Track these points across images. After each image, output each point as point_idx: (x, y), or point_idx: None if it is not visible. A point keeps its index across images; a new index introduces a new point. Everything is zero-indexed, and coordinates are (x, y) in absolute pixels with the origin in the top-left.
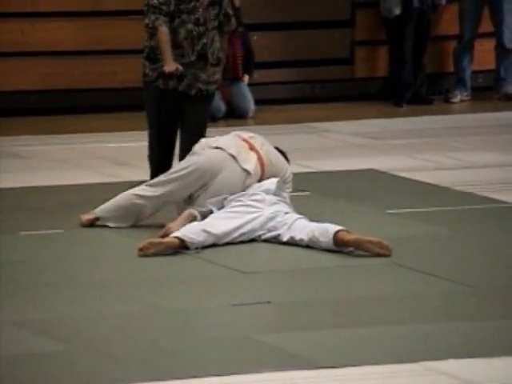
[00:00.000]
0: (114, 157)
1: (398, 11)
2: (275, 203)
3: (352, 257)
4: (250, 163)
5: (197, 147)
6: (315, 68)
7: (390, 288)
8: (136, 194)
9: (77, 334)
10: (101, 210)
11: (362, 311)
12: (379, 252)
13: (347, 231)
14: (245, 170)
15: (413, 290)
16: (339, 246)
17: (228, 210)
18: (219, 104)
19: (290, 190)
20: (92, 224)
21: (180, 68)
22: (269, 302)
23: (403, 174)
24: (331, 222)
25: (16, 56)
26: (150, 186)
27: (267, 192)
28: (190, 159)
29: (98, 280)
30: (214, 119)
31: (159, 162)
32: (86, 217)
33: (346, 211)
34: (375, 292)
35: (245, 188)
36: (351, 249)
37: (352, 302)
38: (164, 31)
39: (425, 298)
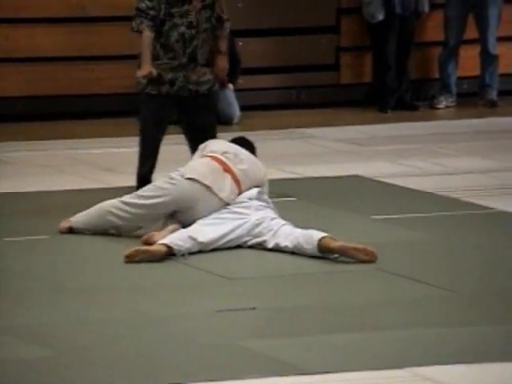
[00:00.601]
0: (99, 163)
1: (380, 17)
2: (261, 209)
3: (337, 263)
4: (225, 191)
5: (173, 174)
6: (301, 74)
7: (375, 294)
8: (109, 211)
9: (62, 339)
10: (76, 221)
11: (347, 317)
12: (364, 259)
13: (332, 238)
14: (221, 199)
15: (398, 295)
16: (324, 252)
17: (214, 216)
18: None
19: (267, 189)
20: (69, 232)
21: (154, 72)
22: (254, 308)
23: (388, 180)
24: (317, 228)
25: (0, 62)
26: (125, 204)
27: (250, 198)
28: (164, 187)
29: (83, 286)
30: None
31: (148, 169)
32: (63, 224)
33: (332, 217)
34: (361, 298)
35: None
36: (336, 255)
37: (338, 308)
38: (147, 35)
39: (410, 304)
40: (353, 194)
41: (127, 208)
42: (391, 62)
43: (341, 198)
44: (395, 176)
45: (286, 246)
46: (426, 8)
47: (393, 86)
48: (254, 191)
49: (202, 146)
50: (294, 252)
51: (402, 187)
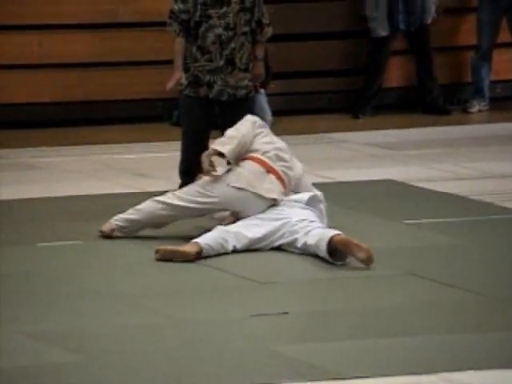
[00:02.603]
0: (131, 168)
1: (383, 33)
2: (305, 208)
3: (368, 267)
4: (274, 190)
5: (216, 184)
6: (332, 78)
7: (407, 298)
8: (162, 201)
9: (93, 345)
10: (121, 218)
11: (380, 322)
12: (362, 258)
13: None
14: (272, 199)
15: (430, 300)
16: (330, 247)
17: (260, 216)
18: None
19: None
20: (111, 234)
21: (182, 77)
22: (287, 313)
23: (420, 184)
24: (349, 233)
25: (32, 68)
26: (177, 197)
27: (298, 201)
28: (213, 191)
29: (116, 291)
30: None
31: (190, 171)
32: (106, 227)
33: (364, 222)
34: (393, 303)
35: None
36: (343, 262)
37: (370, 313)
38: (177, 41)
39: (442, 309)
40: (385, 198)
41: (180, 200)
42: (381, 71)
43: (373, 202)
44: (428, 180)
45: (310, 245)
46: (430, 20)
47: (370, 94)
48: (306, 196)
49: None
50: (314, 250)
51: (435, 191)
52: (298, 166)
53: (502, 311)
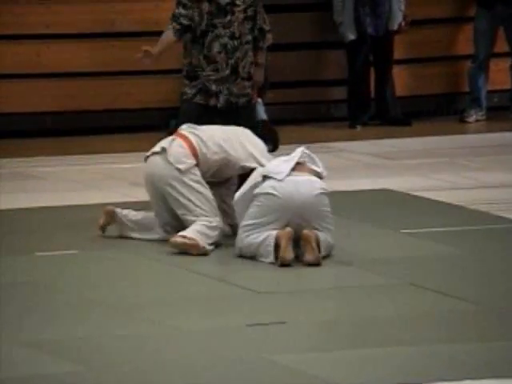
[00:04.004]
0: (130, 177)
1: (352, 36)
2: None
3: (366, 277)
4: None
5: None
6: (329, 88)
7: (405, 308)
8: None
9: (93, 355)
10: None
11: (377, 331)
12: (308, 259)
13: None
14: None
15: (427, 310)
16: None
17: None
18: None
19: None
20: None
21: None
22: (284, 323)
23: (418, 194)
24: (347, 242)
25: (31, 77)
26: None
27: None
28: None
29: (114, 301)
30: None
31: None
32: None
33: (362, 231)
34: (391, 312)
35: None
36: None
37: (367, 323)
38: (167, 34)
39: (439, 318)
40: (383, 207)
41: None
42: (361, 81)
43: (371, 211)
44: (425, 190)
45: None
46: (396, 26)
47: (364, 104)
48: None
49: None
50: None
51: (432, 201)
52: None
53: (500, 321)
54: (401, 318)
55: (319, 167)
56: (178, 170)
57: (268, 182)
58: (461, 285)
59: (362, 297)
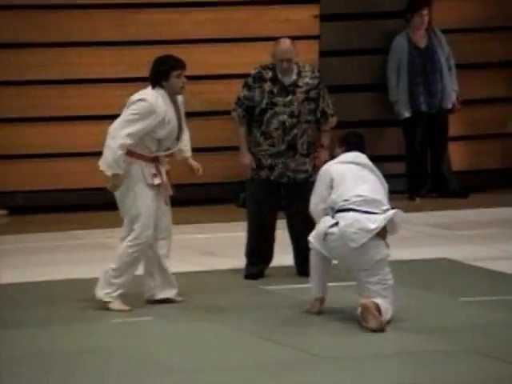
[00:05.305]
0: (201, 247)
1: (407, 114)
2: None
3: (428, 343)
4: None
5: None
6: (388, 163)
7: (462, 374)
8: None
9: None
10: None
11: None
12: (372, 326)
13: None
14: None
15: (490, 376)
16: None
17: None
18: None
19: None
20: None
21: (250, 160)
22: None
23: (474, 263)
24: (408, 310)
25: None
26: None
27: None
28: None
29: (186, 366)
30: None
31: (256, 253)
32: None
33: (422, 298)
34: (455, 378)
35: None
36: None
37: None
38: (241, 129)
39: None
40: (442, 276)
41: None
42: (418, 156)
43: (431, 280)
44: (481, 259)
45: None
46: (450, 105)
47: (422, 178)
48: None
49: None
50: None
51: (489, 270)
52: None
53: None
54: (462, 381)
55: None
56: None
57: None
58: None
59: (424, 362)
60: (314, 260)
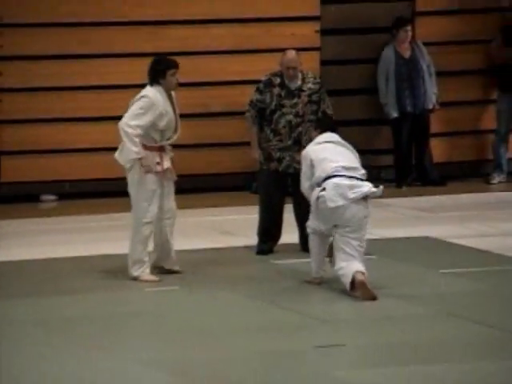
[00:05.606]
0: (217, 227)
1: (395, 114)
2: None
3: (411, 308)
4: None
5: None
6: (379, 156)
7: (444, 334)
8: None
9: (188, 371)
10: None
11: (423, 352)
12: (364, 298)
13: (361, 274)
14: None
15: (464, 335)
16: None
17: None
18: None
19: None
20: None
21: (259, 155)
22: (344, 345)
23: (452, 241)
24: (393, 281)
25: None
26: None
27: None
28: None
29: (206, 328)
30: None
31: (266, 233)
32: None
33: (406, 271)
34: (431, 337)
35: None
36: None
37: (414, 345)
38: (253, 129)
39: (469, 342)
40: (423, 251)
41: None
42: (405, 150)
43: (413, 255)
44: (458, 237)
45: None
46: (431, 106)
47: (407, 169)
48: None
49: None
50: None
51: (464, 246)
52: None
53: None
54: (443, 342)
55: None
56: None
57: None
58: (491, 315)
59: (409, 324)
60: (312, 243)
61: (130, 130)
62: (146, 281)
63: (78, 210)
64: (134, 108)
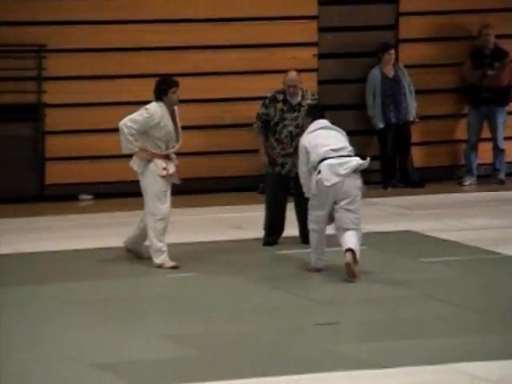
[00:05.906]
0: (229, 222)
1: (381, 125)
2: None
3: (393, 291)
4: None
5: None
6: (370, 162)
7: (424, 313)
8: None
9: (207, 345)
10: None
11: (405, 328)
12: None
13: (353, 252)
14: None
15: (441, 314)
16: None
17: None
18: None
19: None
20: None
21: (266, 160)
22: (338, 323)
23: (431, 234)
24: (379, 268)
25: None
26: None
27: None
28: None
29: (222, 308)
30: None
31: (272, 229)
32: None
33: (391, 260)
34: (415, 316)
35: None
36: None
37: (398, 322)
38: (260, 138)
39: (450, 321)
40: (405, 243)
41: None
42: (390, 156)
43: (396, 246)
44: (435, 231)
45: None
46: (411, 118)
47: (392, 172)
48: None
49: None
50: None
51: (440, 239)
52: None
53: (500, 323)
54: (421, 319)
55: None
56: None
57: None
58: (465, 297)
59: (394, 305)
60: (312, 239)
61: (126, 130)
62: (169, 267)
63: (110, 207)
64: (135, 114)
